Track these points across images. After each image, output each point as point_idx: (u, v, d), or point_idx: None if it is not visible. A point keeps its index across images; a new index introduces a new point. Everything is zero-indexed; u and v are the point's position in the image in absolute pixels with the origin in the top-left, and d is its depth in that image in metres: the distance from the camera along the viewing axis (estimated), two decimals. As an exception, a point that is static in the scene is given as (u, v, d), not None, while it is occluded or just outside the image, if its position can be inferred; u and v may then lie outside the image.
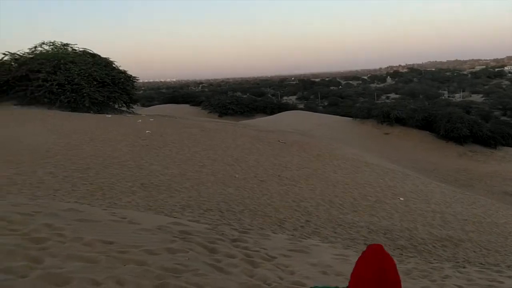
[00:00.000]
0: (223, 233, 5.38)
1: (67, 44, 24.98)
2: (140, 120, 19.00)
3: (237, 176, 12.75)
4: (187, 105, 50.99)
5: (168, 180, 11.09)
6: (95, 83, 22.14)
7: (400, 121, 33.17)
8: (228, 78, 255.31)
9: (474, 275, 5.34)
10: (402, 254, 7.29)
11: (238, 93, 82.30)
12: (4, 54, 23.20)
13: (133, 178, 10.47)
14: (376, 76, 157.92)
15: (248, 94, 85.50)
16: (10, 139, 13.29)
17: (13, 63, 22.77)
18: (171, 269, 3.61)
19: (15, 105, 20.89)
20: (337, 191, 13.22)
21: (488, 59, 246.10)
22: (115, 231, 4.45)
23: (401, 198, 13.43)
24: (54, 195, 7.70)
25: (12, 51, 23.51)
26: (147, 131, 16.38)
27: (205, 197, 10.17)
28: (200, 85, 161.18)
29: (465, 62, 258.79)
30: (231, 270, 3.96)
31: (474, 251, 9.36)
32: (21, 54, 23.49)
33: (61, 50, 24.14)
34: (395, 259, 2.01)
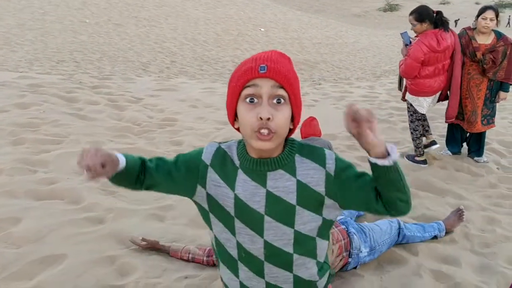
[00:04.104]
0: (80, 82, 4.96)
1: None
2: None
3: (87, 21, 11.47)
4: None
5: (4, 33, 9.56)
6: None
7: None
8: None
9: (328, 89, 5.92)
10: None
11: None
12: None
13: (-43, 34, 8.77)
14: None
15: None
16: None
17: None
18: (25, 124, 3.27)
19: None
20: (200, 28, 12.86)
21: None
22: None
23: (262, 29, 13.67)
24: None
25: None
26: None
27: (54, 48, 9.12)
28: None
29: None
30: (95, 116, 3.75)
31: (328, 71, 10.33)
32: None
33: None
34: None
